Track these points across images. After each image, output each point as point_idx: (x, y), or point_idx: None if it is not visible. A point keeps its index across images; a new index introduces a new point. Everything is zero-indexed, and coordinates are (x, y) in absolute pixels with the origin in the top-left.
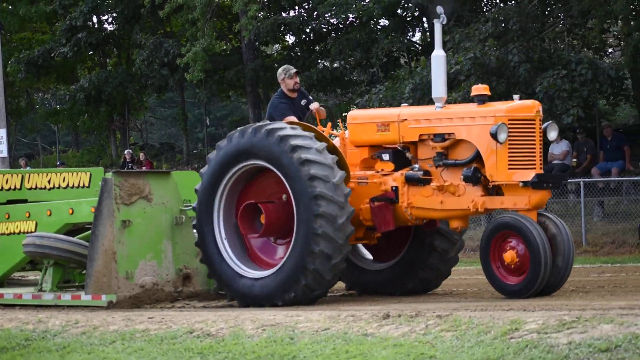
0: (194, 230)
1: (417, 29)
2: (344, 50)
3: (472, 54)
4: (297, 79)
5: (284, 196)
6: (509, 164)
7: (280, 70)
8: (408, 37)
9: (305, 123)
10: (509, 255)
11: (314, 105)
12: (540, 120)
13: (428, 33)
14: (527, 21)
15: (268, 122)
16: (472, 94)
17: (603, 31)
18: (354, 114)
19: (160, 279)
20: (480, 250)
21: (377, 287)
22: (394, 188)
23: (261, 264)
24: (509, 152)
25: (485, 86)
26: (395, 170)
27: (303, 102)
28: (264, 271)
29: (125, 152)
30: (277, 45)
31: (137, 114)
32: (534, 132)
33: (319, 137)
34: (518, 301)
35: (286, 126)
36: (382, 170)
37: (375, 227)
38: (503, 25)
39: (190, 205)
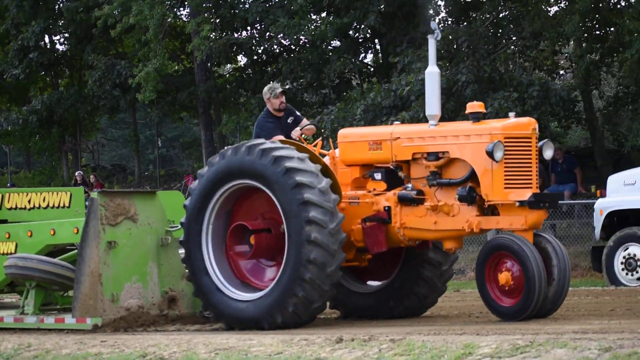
0: (181, 250)
1: (370, 51)
2: (296, 71)
3: (423, 74)
4: (283, 99)
5: (282, 227)
6: (505, 183)
7: (265, 89)
8: (360, 59)
9: (299, 143)
10: (504, 277)
11: (296, 133)
12: (536, 138)
13: (380, 54)
14: (478, 42)
15: (262, 140)
16: (467, 112)
17: (555, 53)
18: (344, 132)
19: (146, 301)
20: (475, 271)
21: (364, 311)
22: (386, 208)
23: (249, 285)
24: (505, 171)
25: (481, 103)
26: (388, 189)
27: (290, 119)
28: (252, 293)
29: (77, 173)
30: (228, 66)
31: (88, 135)
32: (530, 150)
33: (313, 158)
34: (471, 325)
35: (281, 146)
36: (374, 190)
37: (367, 248)
38: (455, 46)
39: (177, 226)
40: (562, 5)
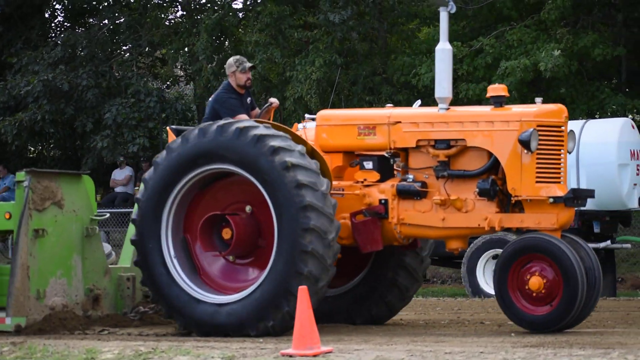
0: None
1: None
2: None
3: (44, 76)
4: (250, 75)
5: (247, 207)
6: (537, 177)
7: (231, 61)
8: None
9: (275, 123)
10: (536, 282)
11: (275, 100)
12: (567, 127)
13: None
14: (95, 47)
15: (233, 119)
16: (487, 95)
17: (175, 63)
18: (325, 114)
19: (70, 300)
20: (494, 277)
21: (327, 316)
22: (382, 201)
23: (218, 287)
24: (537, 163)
25: (504, 86)
26: (381, 180)
27: (249, 99)
28: (229, 296)
29: None
30: None
31: None
32: (562, 141)
33: (295, 138)
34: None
35: (259, 124)
36: (365, 180)
37: (359, 246)
38: (71, 50)
39: (105, 214)
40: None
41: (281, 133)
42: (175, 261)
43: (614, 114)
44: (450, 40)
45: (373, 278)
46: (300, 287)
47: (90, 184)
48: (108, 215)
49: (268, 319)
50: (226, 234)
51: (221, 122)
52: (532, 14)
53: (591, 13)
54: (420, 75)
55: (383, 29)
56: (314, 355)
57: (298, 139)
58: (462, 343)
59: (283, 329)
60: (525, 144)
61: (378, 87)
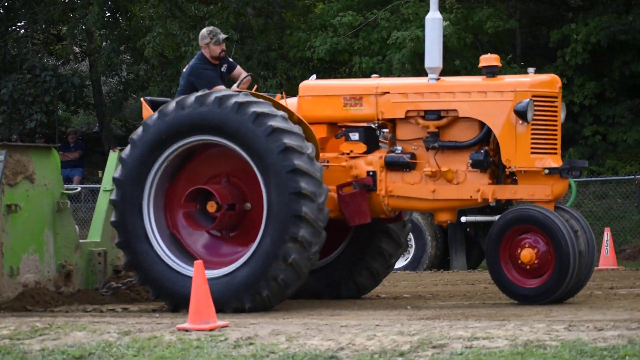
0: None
1: None
2: None
3: None
4: (224, 46)
5: (247, 205)
6: (532, 148)
7: (204, 32)
8: None
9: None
10: (527, 254)
11: (245, 78)
12: (560, 98)
13: None
14: None
15: (233, 93)
16: (480, 65)
17: (74, 40)
18: (309, 84)
19: (42, 276)
20: (487, 249)
21: (308, 291)
22: (370, 173)
23: (206, 262)
24: (533, 134)
25: (496, 56)
26: (367, 152)
27: (224, 67)
28: (216, 270)
29: None
30: None
31: None
32: (556, 112)
33: (290, 116)
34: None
35: (259, 100)
36: (351, 152)
37: (346, 219)
38: None
39: (75, 188)
40: None
41: (281, 112)
42: (157, 236)
43: None
44: (345, 11)
45: (346, 259)
46: (196, 262)
47: (57, 158)
48: (80, 189)
49: (263, 289)
50: (211, 207)
51: (220, 93)
52: None
53: None
54: (316, 47)
55: (278, 4)
56: (210, 330)
57: (279, 106)
58: (358, 316)
59: (279, 298)
60: (521, 114)
61: (273, 63)
